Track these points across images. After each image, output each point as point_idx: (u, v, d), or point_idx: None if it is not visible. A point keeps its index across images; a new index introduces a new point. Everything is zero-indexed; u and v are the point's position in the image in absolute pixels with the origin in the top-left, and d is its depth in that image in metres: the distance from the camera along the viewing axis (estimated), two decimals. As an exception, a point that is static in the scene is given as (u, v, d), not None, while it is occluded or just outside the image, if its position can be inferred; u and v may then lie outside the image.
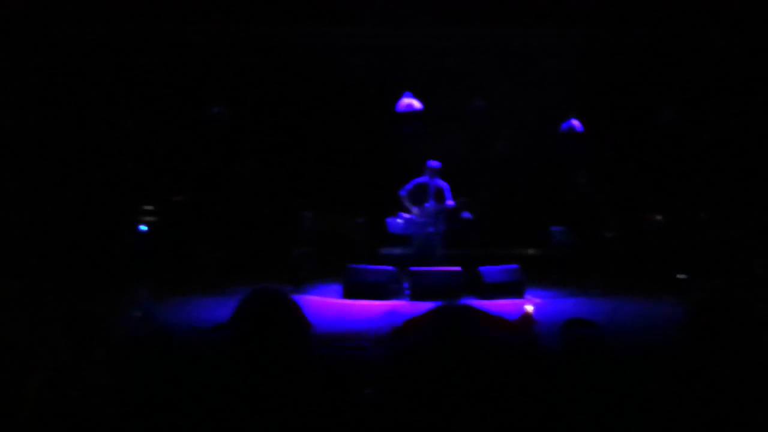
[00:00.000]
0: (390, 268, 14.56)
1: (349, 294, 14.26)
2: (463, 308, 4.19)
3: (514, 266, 14.61)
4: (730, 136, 17.28)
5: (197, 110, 17.64)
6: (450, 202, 14.86)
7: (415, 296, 14.06)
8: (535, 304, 13.30)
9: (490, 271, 14.37)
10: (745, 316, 3.76)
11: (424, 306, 13.41)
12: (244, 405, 3.59)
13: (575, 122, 17.69)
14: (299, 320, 3.90)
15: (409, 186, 15.00)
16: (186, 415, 3.65)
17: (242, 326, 3.78)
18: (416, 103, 17.49)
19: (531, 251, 16.43)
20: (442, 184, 14.96)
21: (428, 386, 3.55)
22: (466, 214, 15.84)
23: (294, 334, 3.81)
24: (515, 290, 14.23)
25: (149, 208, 16.03)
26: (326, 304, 13.74)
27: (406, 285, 14.42)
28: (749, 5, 16.12)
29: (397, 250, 15.72)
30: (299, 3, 16.89)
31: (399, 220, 14.92)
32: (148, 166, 17.18)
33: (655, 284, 14.53)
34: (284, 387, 3.63)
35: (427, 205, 14.82)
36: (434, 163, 14.94)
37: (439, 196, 14.90)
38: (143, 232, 15.46)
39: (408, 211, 14.89)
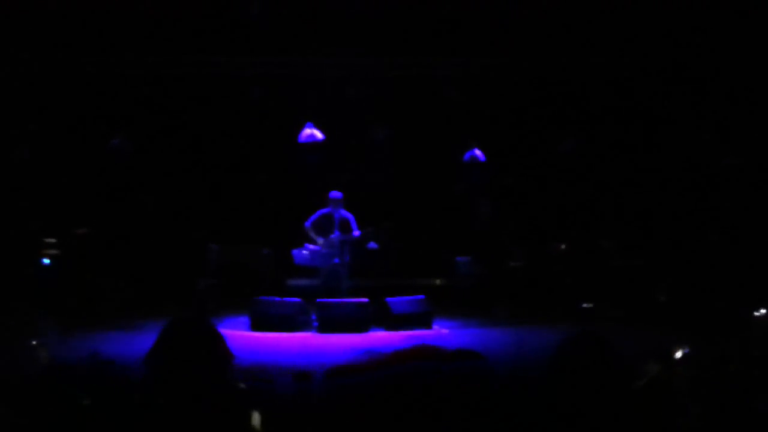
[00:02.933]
0: (297, 299, 14.52)
1: (256, 326, 14.16)
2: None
3: (420, 297, 14.67)
4: (633, 165, 17.59)
5: (99, 141, 17.40)
6: (355, 233, 14.90)
7: (323, 328, 14.02)
8: (442, 335, 13.43)
9: (398, 302, 14.40)
10: (602, 360, 3.83)
11: (332, 338, 13.45)
12: None
13: (478, 152, 17.87)
14: (222, 350, 3.81)
15: (313, 217, 15.00)
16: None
17: (161, 358, 3.68)
18: (318, 134, 17.52)
19: (437, 281, 16.52)
20: (347, 214, 14.99)
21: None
22: (372, 245, 15.88)
23: (216, 365, 3.74)
24: (423, 321, 14.27)
25: (51, 240, 15.79)
26: (234, 337, 13.64)
27: (313, 316, 14.39)
28: (649, 37, 16.43)
29: (303, 282, 15.68)
30: (202, 32, 16.78)
31: (305, 252, 14.90)
32: (50, 198, 16.89)
33: (560, 313, 14.71)
34: (206, 421, 3.58)
35: (332, 236, 14.83)
36: (336, 194, 14.97)
37: (345, 226, 14.92)
38: (46, 265, 15.21)
39: (314, 242, 14.89)
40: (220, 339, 3.81)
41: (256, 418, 4.31)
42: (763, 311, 10.94)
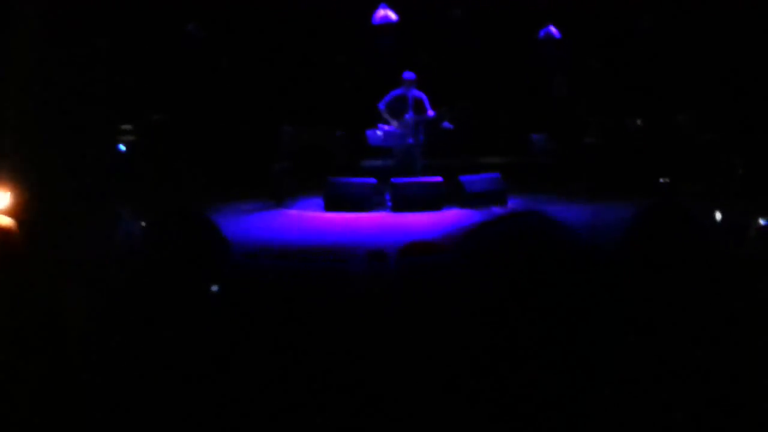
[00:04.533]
0: (371, 179, 14.53)
1: (330, 207, 14.23)
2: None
3: (495, 174, 14.58)
4: (710, 40, 17.17)
5: (174, 27, 17.40)
6: (429, 113, 14.78)
7: (397, 207, 14.04)
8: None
9: (471, 180, 14.33)
10: (684, 231, 3.65)
11: (406, 217, 13.46)
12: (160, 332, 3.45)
13: (553, 29, 17.59)
14: (215, 241, 3.70)
15: (387, 98, 14.88)
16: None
17: (153, 252, 3.60)
18: (392, 15, 17.35)
19: (512, 159, 16.36)
20: (420, 94, 14.85)
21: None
22: (447, 124, 15.77)
23: (210, 256, 3.64)
24: (497, 198, 14.19)
25: (128, 126, 15.92)
26: (308, 218, 13.75)
27: (387, 196, 14.39)
28: None
29: (377, 162, 15.65)
30: None
31: (378, 133, 14.85)
32: (126, 84, 16.97)
33: (638, 189, 14.49)
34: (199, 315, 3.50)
35: (406, 116, 14.72)
36: (409, 74, 14.81)
37: (418, 106, 14.79)
38: (122, 152, 15.37)
39: (388, 122, 14.81)
40: (215, 230, 3.70)
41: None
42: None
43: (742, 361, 3.42)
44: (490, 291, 3.13)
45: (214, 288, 3.55)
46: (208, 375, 3.29)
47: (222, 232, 3.70)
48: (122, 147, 15.51)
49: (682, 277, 3.46)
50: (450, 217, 13.42)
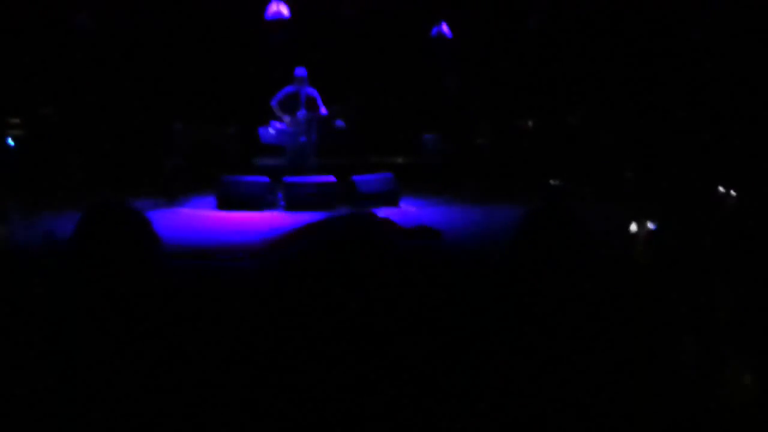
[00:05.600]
0: (264, 178, 14.49)
1: (223, 205, 14.16)
2: (365, 216, 4.01)
3: (388, 174, 14.66)
4: (602, 39, 17.46)
5: (63, 18, 17.09)
6: (322, 110, 14.79)
7: (290, 206, 14.03)
8: (409, 213, 13.45)
9: (365, 180, 14.39)
10: (569, 234, 3.77)
11: (299, 216, 13.45)
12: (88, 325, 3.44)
13: (445, 27, 17.70)
14: (146, 235, 3.69)
15: (279, 95, 14.85)
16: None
17: (81, 244, 3.58)
18: (285, 10, 17.29)
19: (404, 159, 16.46)
20: (312, 91, 14.85)
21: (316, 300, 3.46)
22: (339, 122, 15.80)
23: (140, 250, 3.64)
24: (390, 199, 14.27)
25: (16, 121, 15.63)
26: (200, 217, 13.65)
27: (280, 195, 14.37)
28: None
29: (270, 160, 15.60)
30: None
31: (271, 130, 14.82)
32: (14, 77, 16.63)
33: (528, 190, 14.69)
34: (132, 307, 3.50)
35: (298, 113, 14.70)
36: (301, 71, 14.80)
37: (311, 104, 14.79)
38: (10, 146, 15.08)
39: (280, 120, 14.78)
40: (145, 223, 3.69)
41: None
42: (723, 190, 10.99)
43: (618, 358, 3.57)
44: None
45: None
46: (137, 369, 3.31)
47: (153, 227, 3.70)
48: (10, 141, 15.21)
49: (565, 278, 3.57)
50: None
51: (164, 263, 3.84)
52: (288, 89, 14.82)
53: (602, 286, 3.82)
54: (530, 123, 16.52)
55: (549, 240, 3.71)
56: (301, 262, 3.53)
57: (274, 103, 14.81)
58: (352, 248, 3.61)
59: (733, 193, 10.93)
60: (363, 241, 3.60)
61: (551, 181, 14.97)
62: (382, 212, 13.33)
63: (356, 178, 14.37)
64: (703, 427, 3.48)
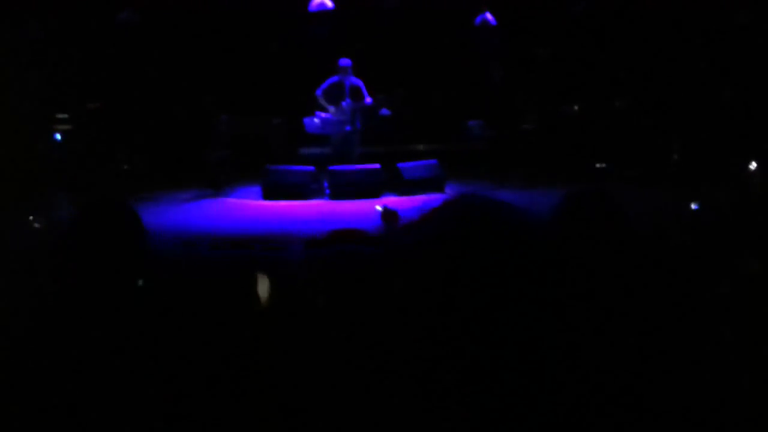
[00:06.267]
0: (309, 167, 14.53)
1: (268, 195, 14.22)
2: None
3: (432, 161, 14.65)
4: (646, 25, 17.32)
5: (108, 14, 17.22)
6: (367, 99, 14.81)
7: (335, 195, 14.06)
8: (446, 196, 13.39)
9: (409, 167, 14.39)
10: (607, 218, 3.74)
11: (345, 204, 13.49)
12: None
13: (489, 15, 17.65)
14: (134, 231, 3.69)
15: (324, 85, 14.90)
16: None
17: (74, 241, 3.59)
18: (329, 2, 17.34)
19: (449, 145, 16.41)
20: (357, 81, 14.88)
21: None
22: (384, 111, 15.81)
23: (128, 245, 3.63)
24: (435, 185, 14.26)
25: (63, 115, 15.77)
26: (246, 206, 13.73)
27: (325, 184, 14.40)
28: None
29: (315, 150, 15.63)
30: None
31: (316, 120, 14.86)
32: (60, 73, 16.77)
33: (574, 175, 14.60)
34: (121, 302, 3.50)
35: (343, 103, 14.74)
36: (345, 61, 14.83)
37: (356, 93, 14.82)
38: (58, 141, 15.22)
39: (325, 110, 14.82)
40: (137, 222, 3.70)
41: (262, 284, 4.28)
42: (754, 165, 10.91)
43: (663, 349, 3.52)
44: (433, 281, 3.15)
45: (140, 282, 3.55)
46: (135, 367, 3.29)
47: (141, 222, 3.70)
48: (58, 136, 15.35)
49: (603, 263, 3.55)
50: (388, 204, 13.44)
51: (155, 259, 3.84)
52: (332, 79, 14.87)
53: (637, 270, 3.78)
54: (576, 108, 16.42)
55: (585, 223, 3.69)
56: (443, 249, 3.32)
57: (319, 93, 14.86)
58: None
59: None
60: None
61: (597, 165, 14.89)
62: (429, 198, 13.36)
63: (401, 165, 14.38)
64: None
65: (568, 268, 3.54)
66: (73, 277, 3.45)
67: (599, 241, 3.60)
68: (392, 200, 13.71)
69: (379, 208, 10.47)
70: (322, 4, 17.40)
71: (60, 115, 15.80)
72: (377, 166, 14.31)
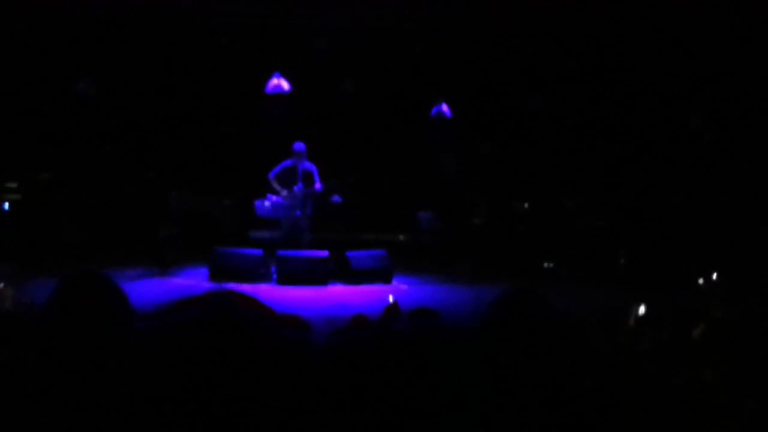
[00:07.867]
0: (257, 251, 14.47)
1: (215, 276, 14.09)
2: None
3: (381, 252, 14.64)
4: (599, 122, 17.55)
5: (63, 84, 17.16)
6: (318, 185, 14.83)
7: (282, 280, 13.99)
8: (401, 290, 13.40)
9: (358, 257, 14.38)
10: (537, 318, 3.82)
11: (290, 290, 13.43)
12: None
13: (444, 107, 17.81)
14: (118, 304, 3.71)
15: (277, 168, 14.91)
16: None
17: (55, 312, 3.59)
18: (285, 84, 17.42)
19: (399, 236, 16.47)
20: (310, 166, 14.90)
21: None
22: (336, 198, 15.84)
23: (112, 319, 3.65)
24: (383, 276, 14.25)
25: (12, 185, 15.65)
26: (192, 287, 13.61)
27: (273, 268, 14.34)
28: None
29: (264, 233, 15.59)
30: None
31: (266, 203, 14.83)
32: (11, 142, 16.67)
33: (522, 272, 14.68)
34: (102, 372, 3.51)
35: (295, 188, 14.74)
36: (299, 145, 14.86)
37: (308, 178, 14.84)
38: (5, 211, 15.09)
39: (277, 193, 14.81)
40: (118, 293, 3.72)
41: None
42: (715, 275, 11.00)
43: None
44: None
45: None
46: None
47: (124, 294, 3.71)
48: (6, 206, 15.23)
49: (530, 360, 3.61)
50: (334, 293, 13.41)
51: (136, 330, 3.84)
52: (286, 163, 14.88)
53: (568, 370, 3.87)
54: (526, 205, 16.56)
55: (516, 324, 3.80)
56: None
57: (271, 176, 14.87)
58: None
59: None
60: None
61: (544, 264, 14.97)
62: (375, 289, 13.36)
63: (350, 254, 14.37)
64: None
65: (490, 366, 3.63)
66: (57, 348, 3.45)
67: (524, 343, 3.68)
68: (339, 289, 13.70)
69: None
70: (278, 86, 17.48)
71: (9, 185, 15.69)
72: (326, 253, 14.28)
